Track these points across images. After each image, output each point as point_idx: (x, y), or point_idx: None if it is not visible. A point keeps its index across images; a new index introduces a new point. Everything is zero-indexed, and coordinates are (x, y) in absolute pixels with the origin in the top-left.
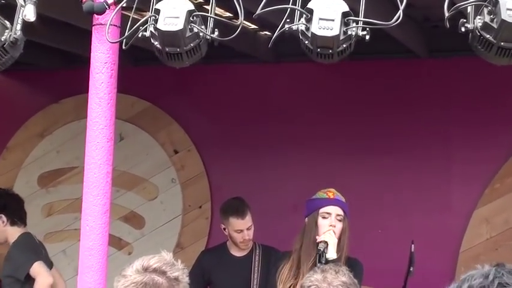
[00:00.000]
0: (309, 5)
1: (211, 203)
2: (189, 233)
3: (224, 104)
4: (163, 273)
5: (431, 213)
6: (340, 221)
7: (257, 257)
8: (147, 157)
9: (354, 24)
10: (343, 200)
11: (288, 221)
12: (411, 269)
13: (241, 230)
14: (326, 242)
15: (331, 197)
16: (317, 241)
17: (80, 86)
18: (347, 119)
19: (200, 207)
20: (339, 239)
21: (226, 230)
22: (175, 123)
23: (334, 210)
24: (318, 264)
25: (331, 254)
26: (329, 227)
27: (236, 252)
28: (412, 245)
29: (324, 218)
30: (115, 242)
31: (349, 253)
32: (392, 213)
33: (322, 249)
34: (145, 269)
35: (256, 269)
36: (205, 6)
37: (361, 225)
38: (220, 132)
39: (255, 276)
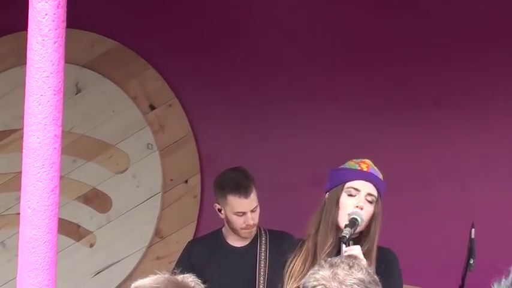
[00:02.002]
0: None
1: (201, 176)
2: (171, 217)
3: (218, 42)
4: None
5: (498, 188)
6: (371, 202)
7: (263, 246)
8: (114, 115)
9: None
10: (381, 176)
11: (304, 199)
12: (471, 261)
13: (244, 213)
14: (354, 221)
15: (365, 169)
16: (343, 223)
17: (20, 19)
18: (383, 61)
19: (186, 181)
20: (368, 227)
21: (223, 212)
22: (152, 68)
23: (366, 186)
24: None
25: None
26: (354, 209)
27: (235, 242)
28: (473, 230)
29: (350, 195)
30: (71, 230)
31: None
32: (445, 189)
33: (347, 235)
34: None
35: (262, 262)
36: None
37: (403, 204)
38: (213, 80)
39: (262, 272)
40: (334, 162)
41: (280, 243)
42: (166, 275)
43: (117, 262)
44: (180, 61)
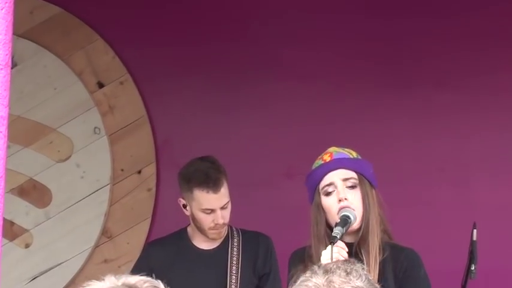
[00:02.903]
0: None
1: (157, 166)
2: (121, 213)
3: (179, 9)
4: None
5: (503, 184)
6: (353, 186)
7: (235, 249)
8: (56, 94)
9: None
10: (352, 155)
11: (278, 194)
12: (472, 267)
13: (213, 210)
14: (345, 219)
15: (328, 159)
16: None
17: None
18: (370, 35)
19: (139, 172)
20: (362, 215)
21: (189, 208)
22: (100, 39)
23: (337, 175)
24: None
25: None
26: (339, 204)
27: (203, 244)
28: (474, 231)
29: (327, 194)
30: (4, 228)
31: (392, 237)
32: (444, 184)
33: (338, 235)
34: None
35: (234, 268)
36: None
37: (395, 202)
38: (173, 54)
39: (233, 280)
40: (313, 154)
41: (255, 245)
42: (121, 280)
43: (57, 266)
44: (134, 31)
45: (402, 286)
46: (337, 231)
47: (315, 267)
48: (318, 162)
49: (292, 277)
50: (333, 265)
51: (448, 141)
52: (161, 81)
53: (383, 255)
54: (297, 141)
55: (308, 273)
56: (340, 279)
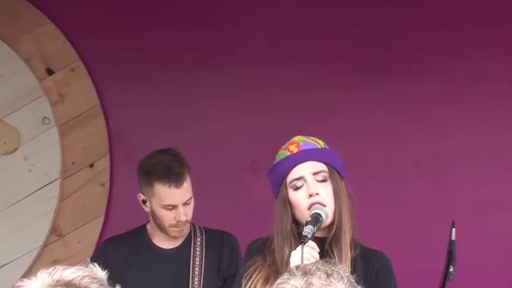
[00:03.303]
0: None
1: (111, 158)
2: (72, 209)
3: None
4: None
5: (485, 178)
6: (324, 180)
7: (198, 248)
8: (1, 81)
9: None
10: (320, 145)
11: (242, 190)
12: (451, 269)
13: (174, 206)
14: (316, 217)
15: (295, 150)
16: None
17: None
18: (342, 22)
19: (91, 165)
20: (334, 210)
21: (148, 204)
22: (50, 23)
23: (306, 168)
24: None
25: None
26: (309, 200)
27: (163, 242)
28: (453, 230)
29: (296, 188)
30: None
31: (361, 240)
32: (420, 180)
33: (309, 235)
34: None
35: (197, 269)
36: None
37: (368, 198)
38: (128, 39)
39: (196, 282)
40: (280, 146)
41: (220, 245)
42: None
43: (2, 266)
44: (87, 14)
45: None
46: (308, 230)
47: (293, 268)
48: (284, 153)
49: (248, 268)
50: (313, 266)
51: (424, 134)
52: (116, 68)
53: (353, 253)
54: (263, 133)
55: (285, 275)
56: (321, 281)
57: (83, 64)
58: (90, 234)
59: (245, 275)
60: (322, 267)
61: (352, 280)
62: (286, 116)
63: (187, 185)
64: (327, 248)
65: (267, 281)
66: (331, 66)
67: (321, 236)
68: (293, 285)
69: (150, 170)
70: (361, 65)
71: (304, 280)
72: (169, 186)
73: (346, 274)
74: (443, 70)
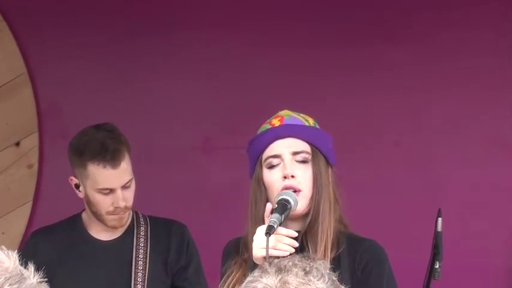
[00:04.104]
0: None
1: (40, 136)
2: None
3: None
4: None
5: (475, 159)
6: (304, 161)
7: (142, 240)
8: None
9: None
10: (308, 123)
11: (194, 170)
12: (437, 265)
13: (112, 190)
14: (283, 204)
15: (277, 124)
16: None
17: None
18: None
19: (17, 144)
20: (311, 197)
21: (82, 189)
22: None
23: (286, 145)
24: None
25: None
26: (283, 183)
27: (101, 233)
28: (439, 220)
29: (271, 167)
30: None
31: (349, 228)
32: (401, 161)
33: (275, 225)
34: None
35: (141, 263)
36: None
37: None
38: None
39: (140, 278)
40: (237, 122)
41: (167, 236)
42: None
43: None
44: None
45: (362, 285)
46: (273, 219)
47: (265, 264)
48: (265, 126)
49: (225, 272)
50: (288, 262)
51: (404, 108)
52: (47, 32)
53: (338, 250)
54: (216, 108)
55: (257, 272)
56: (298, 279)
57: (7, 26)
58: (16, 224)
59: (222, 280)
60: (300, 263)
61: (335, 278)
62: (244, 88)
63: (125, 165)
64: (301, 242)
65: (243, 275)
66: (297, 30)
67: (296, 230)
68: (266, 284)
69: (83, 149)
70: (332, 30)
71: (278, 278)
72: (105, 167)
73: (328, 271)
74: (428, 36)
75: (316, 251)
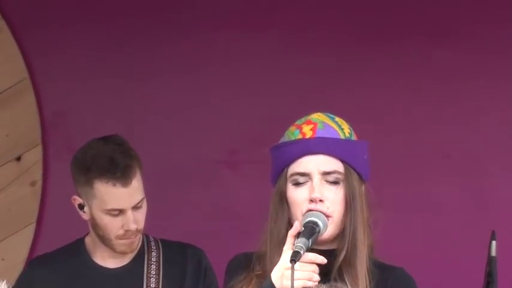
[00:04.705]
0: None
1: (44, 149)
2: None
3: None
4: None
5: None
6: (334, 183)
7: (154, 266)
8: None
9: None
10: (344, 133)
11: (216, 189)
12: None
13: (122, 211)
14: (311, 227)
15: (308, 135)
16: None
17: None
18: None
19: (18, 159)
20: (343, 227)
21: (87, 209)
22: None
23: (316, 164)
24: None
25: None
26: (309, 206)
27: (108, 260)
28: (493, 243)
29: (296, 184)
30: None
31: (378, 255)
32: (449, 176)
33: (301, 251)
34: None
35: None
36: None
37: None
38: None
39: None
40: (267, 133)
41: (182, 262)
42: None
43: None
44: None
45: None
46: (300, 244)
47: None
48: (294, 133)
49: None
50: None
51: (451, 115)
52: (50, 32)
53: (371, 280)
54: (242, 116)
55: None
56: None
57: (6, 25)
58: (18, 249)
59: None
60: None
61: None
62: (272, 92)
63: (137, 183)
64: (331, 270)
65: None
66: (331, 28)
67: (326, 249)
68: None
69: (88, 164)
70: (370, 27)
71: None
72: (114, 185)
73: None
74: (474, 35)
75: (357, 285)
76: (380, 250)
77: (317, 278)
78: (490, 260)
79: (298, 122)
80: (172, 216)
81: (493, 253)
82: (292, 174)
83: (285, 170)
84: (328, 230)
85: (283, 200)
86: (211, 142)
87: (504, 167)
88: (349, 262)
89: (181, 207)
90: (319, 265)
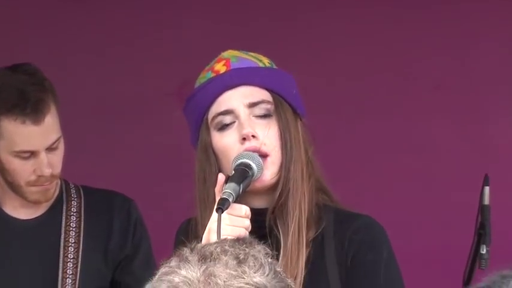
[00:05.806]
0: None
1: None
2: None
3: None
4: None
5: None
6: (265, 116)
7: (74, 218)
8: None
9: None
10: (261, 63)
11: (155, 125)
12: (483, 250)
13: (34, 152)
14: (242, 170)
15: (222, 70)
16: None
17: None
18: None
19: None
20: (281, 162)
21: None
22: None
23: (239, 97)
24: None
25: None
26: (243, 146)
27: (19, 210)
28: (486, 189)
29: (222, 128)
30: None
31: (335, 199)
32: (439, 112)
33: (230, 198)
34: None
35: (71, 248)
36: None
37: (356, 144)
38: None
39: (70, 268)
40: None
41: (108, 213)
42: None
43: None
44: None
45: (351, 276)
46: (228, 190)
47: (186, 251)
48: (206, 75)
49: None
50: (216, 248)
51: (444, 47)
52: None
53: (317, 230)
54: (191, 45)
55: (174, 262)
56: (227, 271)
57: None
58: None
59: None
60: (231, 249)
61: (278, 269)
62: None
63: (51, 120)
64: (269, 223)
65: None
66: None
67: (261, 207)
68: (184, 278)
69: None
70: None
71: (202, 269)
72: (24, 122)
73: (270, 260)
74: None
75: (287, 232)
76: (370, 190)
77: (243, 231)
78: (483, 209)
79: (207, 66)
80: (104, 160)
81: (486, 201)
82: (214, 117)
83: (205, 117)
84: (268, 172)
85: (209, 153)
86: (147, 70)
87: (499, 104)
88: (281, 203)
89: (107, 148)
90: (254, 220)
